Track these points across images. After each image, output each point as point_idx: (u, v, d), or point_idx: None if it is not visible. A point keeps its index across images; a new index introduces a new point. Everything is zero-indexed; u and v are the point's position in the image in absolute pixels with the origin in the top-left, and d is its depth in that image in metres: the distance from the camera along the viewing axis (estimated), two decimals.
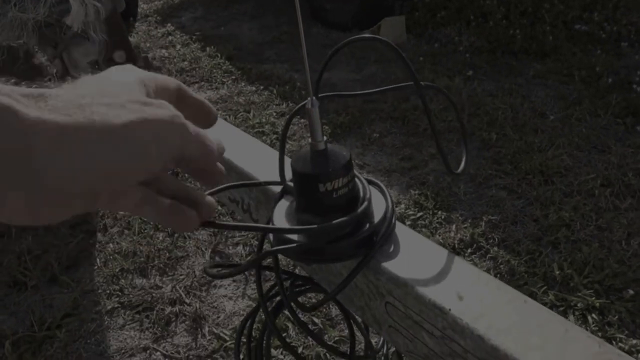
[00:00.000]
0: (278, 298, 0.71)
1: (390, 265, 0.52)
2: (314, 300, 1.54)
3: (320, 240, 0.51)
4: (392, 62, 3.42)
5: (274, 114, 2.94)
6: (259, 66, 3.64)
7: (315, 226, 0.50)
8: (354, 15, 4.02)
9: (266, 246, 0.68)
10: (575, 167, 2.23)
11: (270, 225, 0.55)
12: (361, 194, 0.55)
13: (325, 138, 0.52)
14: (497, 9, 3.92)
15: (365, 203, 0.53)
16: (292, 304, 0.59)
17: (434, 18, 4.02)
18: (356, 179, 0.56)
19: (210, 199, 0.45)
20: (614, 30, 3.53)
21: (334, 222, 0.49)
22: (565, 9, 3.82)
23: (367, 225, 0.53)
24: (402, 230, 0.57)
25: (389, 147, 2.54)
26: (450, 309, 0.46)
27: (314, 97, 0.50)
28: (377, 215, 0.54)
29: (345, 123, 2.72)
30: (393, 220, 0.56)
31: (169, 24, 4.68)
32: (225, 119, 2.94)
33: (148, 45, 4.27)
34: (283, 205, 0.59)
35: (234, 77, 3.52)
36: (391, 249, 0.54)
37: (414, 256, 0.53)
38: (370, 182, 0.60)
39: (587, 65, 3.12)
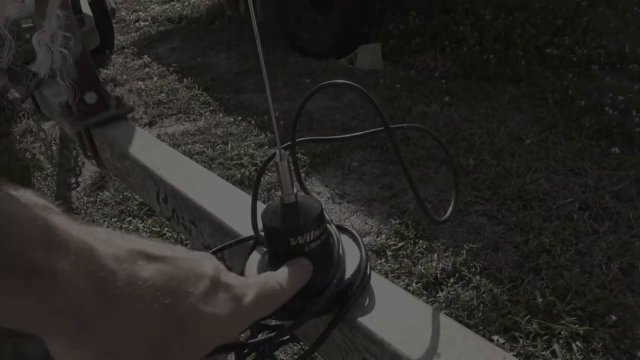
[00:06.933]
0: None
1: (366, 321, 0.50)
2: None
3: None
4: (369, 90, 3.44)
5: (253, 145, 2.93)
6: (237, 97, 3.64)
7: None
8: (331, 43, 4.06)
9: None
10: (553, 191, 2.25)
11: None
12: (335, 245, 0.53)
13: (295, 191, 0.51)
14: (470, 35, 3.99)
15: (339, 255, 0.52)
16: None
17: (410, 45, 4.08)
18: (329, 229, 0.54)
19: None
20: (585, 53, 3.61)
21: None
22: (537, 34, 3.90)
23: (342, 279, 0.51)
24: (377, 281, 0.55)
25: (369, 175, 2.54)
26: None
27: (282, 151, 0.49)
28: (352, 267, 0.53)
29: (325, 153, 2.72)
30: (368, 272, 0.54)
31: (145, 56, 4.67)
32: (204, 152, 2.92)
33: (125, 77, 4.25)
34: (256, 258, 0.58)
35: (212, 108, 3.51)
36: (367, 302, 0.53)
37: (390, 310, 0.52)
38: (343, 230, 0.59)
39: (560, 88, 3.17)
